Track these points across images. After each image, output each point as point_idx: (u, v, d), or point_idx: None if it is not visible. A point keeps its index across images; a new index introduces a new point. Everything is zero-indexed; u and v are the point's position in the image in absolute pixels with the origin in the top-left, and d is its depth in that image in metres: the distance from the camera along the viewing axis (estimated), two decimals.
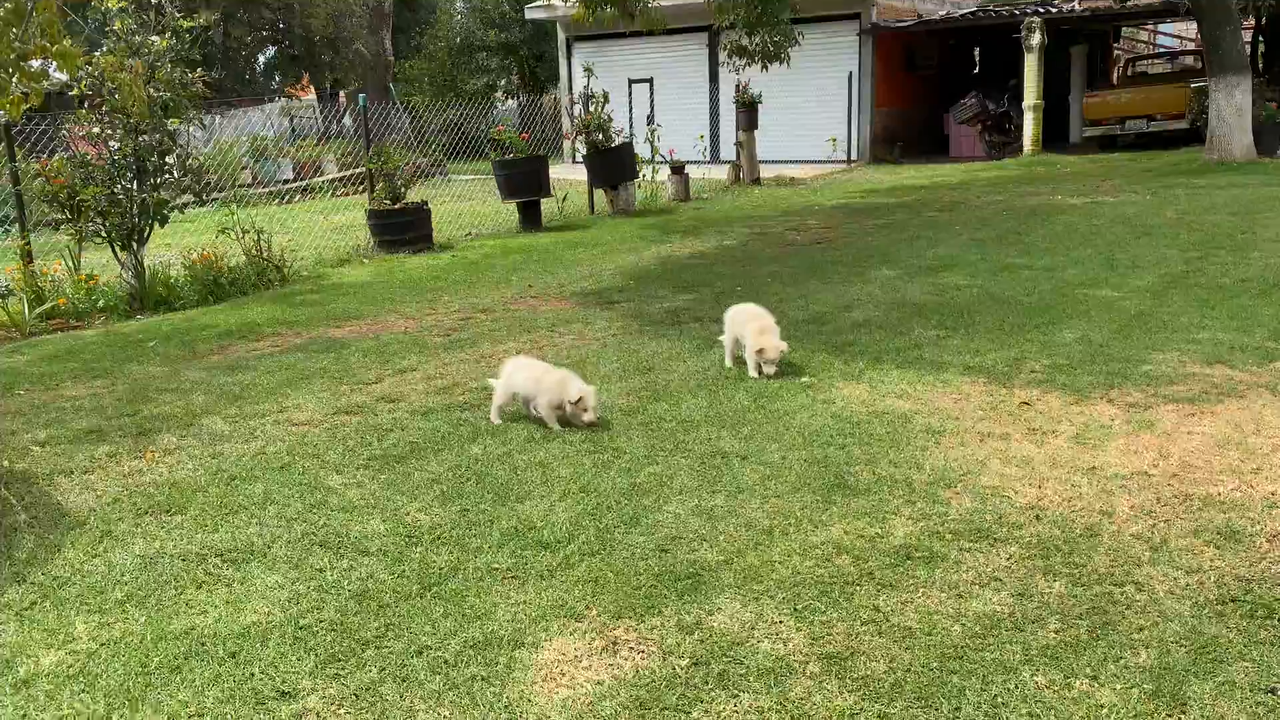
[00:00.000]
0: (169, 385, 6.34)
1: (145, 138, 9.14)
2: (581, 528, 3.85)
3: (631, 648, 3.01)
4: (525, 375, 5.15)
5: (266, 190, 17.59)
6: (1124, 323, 6.46)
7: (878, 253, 9.89)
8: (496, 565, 3.58)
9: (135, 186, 9.17)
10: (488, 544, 3.76)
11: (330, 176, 20.63)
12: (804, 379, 5.62)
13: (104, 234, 9.16)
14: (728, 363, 5.96)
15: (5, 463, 4.98)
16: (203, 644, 3.16)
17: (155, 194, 9.19)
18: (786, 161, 21.73)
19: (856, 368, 5.80)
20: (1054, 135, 21.67)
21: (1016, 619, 3.05)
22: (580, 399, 4.91)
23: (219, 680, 2.96)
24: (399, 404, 5.64)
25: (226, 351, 7.26)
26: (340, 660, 3.02)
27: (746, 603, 3.22)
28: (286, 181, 19.77)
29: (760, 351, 5.60)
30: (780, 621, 3.11)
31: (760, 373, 5.67)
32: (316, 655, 3.06)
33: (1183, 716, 2.56)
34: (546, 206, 14.51)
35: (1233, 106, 15.41)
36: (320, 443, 5.03)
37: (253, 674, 2.98)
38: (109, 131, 9.13)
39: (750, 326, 5.73)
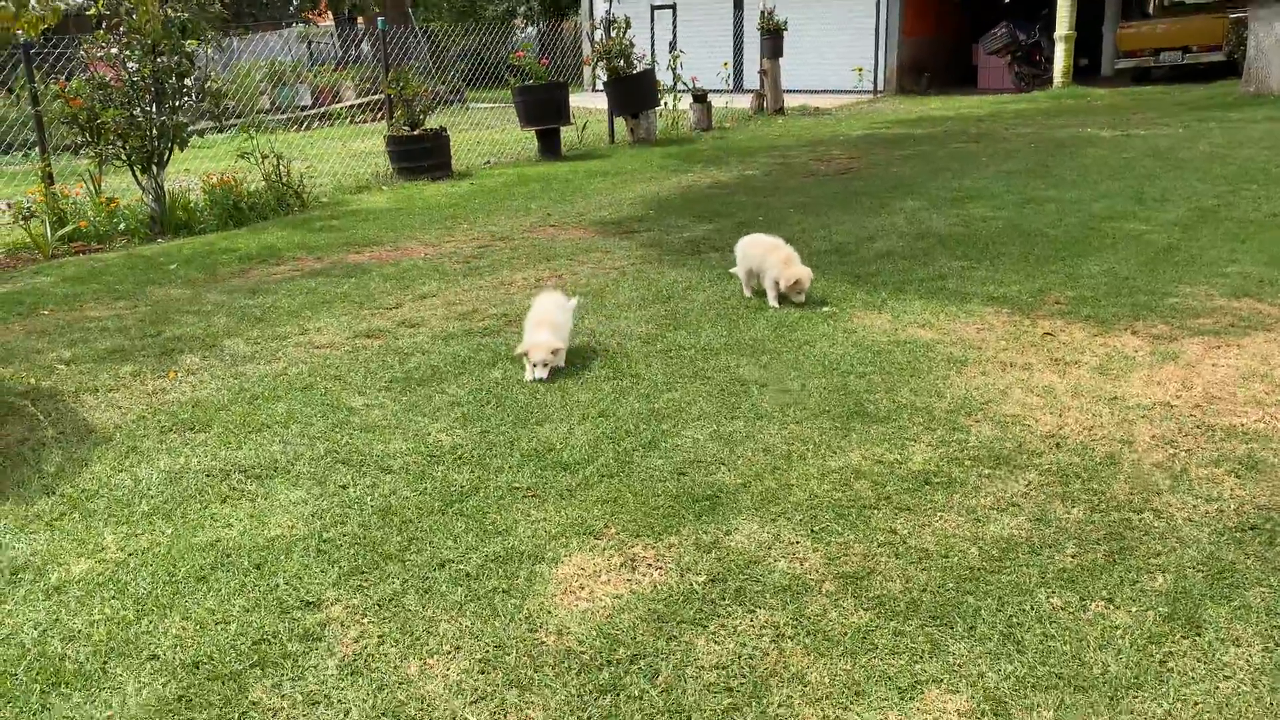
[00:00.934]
0: (190, 307, 6.37)
1: (163, 59, 9.06)
2: (600, 450, 3.87)
3: (649, 564, 3.04)
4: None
5: (285, 116, 17.47)
6: (1151, 256, 6.37)
7: (902, 184, 9.76)
8: (517, 484, 3.61)
9: (154, 109, 9.11)
10: (508, 464, 3.79)
11: (349, 103, 20.46)
12: (825, 308, 5.59)
13: (124, 157, 9.13)
14: (746, 293, 5.92)
15: (32, 380, 5.04)
16: (228, 555, 3.22)
17: (174, 117, 9.14)
18: (811, 91, 21.41)
19: (879, 298, 5.76)
20: (1085, 67, 21.18)
21: (1034, 543, 3.06)
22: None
23: (244, 590, 3.01)
24: (419, 329, 5.66)
25: (247, 275, 7.28)
26: (363, 572, 3.07)
27: (764, 524, 3.25)
28: (305, 108, 19.61)
29: (796, 283, 5.54)
30: (797, 542, 3.13)
31: (781, 303, 5.64)
32: (340, 567, 3.11)
33: (1197, 638, 2.58)
34: (566, 135, 14.36)
35: (1272, 38, 14.99)
36: (342, 365, 5.06)
37: (277, 584, 3.03)
38: (127, 53, 9.05)
39: (774, 257, 5.66)
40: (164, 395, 4.76)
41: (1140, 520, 3.17)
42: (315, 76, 21.51)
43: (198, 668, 2.65)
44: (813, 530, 3.19)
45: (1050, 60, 20.59)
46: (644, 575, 2.98)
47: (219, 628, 2.82)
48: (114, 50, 9.08)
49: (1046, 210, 7.98)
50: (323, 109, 19.72)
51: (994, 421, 3.97)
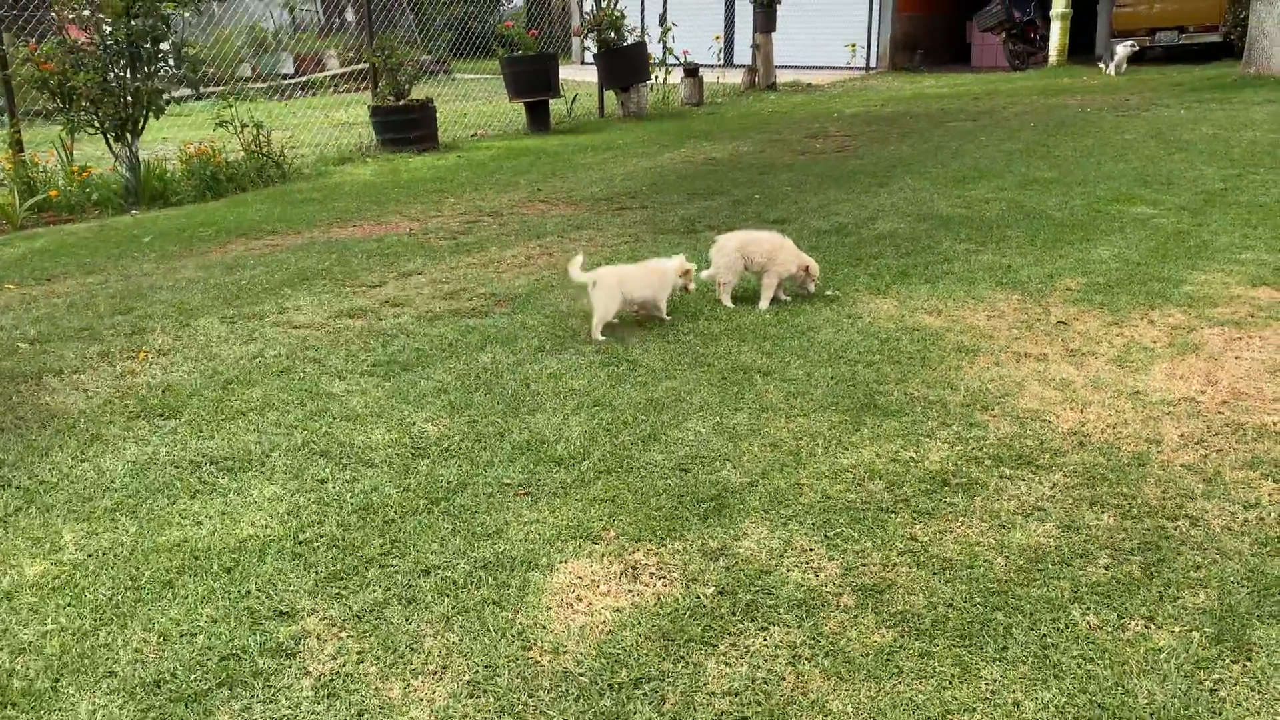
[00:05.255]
0: (164, 283, 6.09)
1: (138, 22, 8.70)
2: (596, 443, 3.64)
3: (652, 573, 2.82)
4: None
5: (266, 85, 17.04)
6: (1161, 241, 6.16)
7: (901, 162, 9.52)
8: (507, 480, 3.38)
9: (129, 74, 8.77)
10: (498, 458, 3.55)
11: (332, 72, 20.01)
12: (828, 292, 5.36)
13: (97, 124, 8.79)
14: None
15: None
16: (196, 557, 2.98)
17: (149, 83, 8.80)
18: (803, 67, 21.09)
19: (883, 281, 5.53)
20: (1079, 46, 20.93)
21: (1064, 553, 2.85)
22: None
23: (213, 597, 2.77)
24: (404, 309, 5.40)
25: (224, 249, 6.99)
26: (342, 579, 2.84)
27: (774, 528, 3.03)
28: (287, 76, 19.16)
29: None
30: (810, 549, 2.91)
31: (771, 304, 5.18)
32: (317, 573, 2.87)
33: (1248, 663, 2.38)
34: (555, 108, 14.03)
35: (1274, 17, 14.75)
36: (321, 347, 4.80)
37: (249, 591, 2.80)
38: (100, 15, 8.68)
39: (780, 254, 5.14)
40: (133, 378, 4.50)
41: (1175, 529, 2.97)
42: (298, 44, 21.03)
43: (159, 687, 2.41)
44: (826, 536, 2.98)
45: (1045, 38, 20.32)
46: (646, 585, 2.76)
47: (184, 640, 2.59)
48: (86, 12, 8.72)
49: (1050, 191, 7.76)
50: (305, 78, 19.28)
51: (1012, 417, 3.75)
